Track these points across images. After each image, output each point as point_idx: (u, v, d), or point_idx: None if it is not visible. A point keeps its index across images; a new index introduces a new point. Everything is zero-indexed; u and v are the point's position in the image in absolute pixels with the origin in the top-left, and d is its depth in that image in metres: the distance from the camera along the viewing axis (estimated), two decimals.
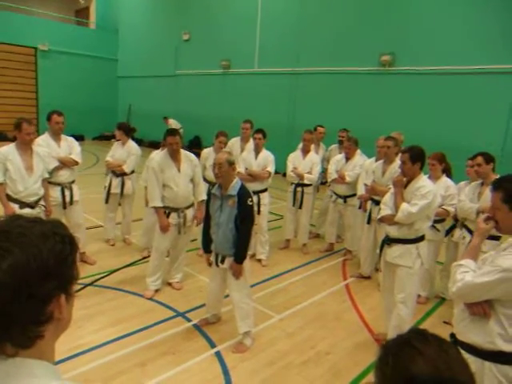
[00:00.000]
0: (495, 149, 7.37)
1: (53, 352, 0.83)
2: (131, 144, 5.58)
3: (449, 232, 4.56)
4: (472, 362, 1.93)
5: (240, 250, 3.35)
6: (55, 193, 4.53)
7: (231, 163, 3.32)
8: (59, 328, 0.82)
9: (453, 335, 2.08)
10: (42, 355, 0.78)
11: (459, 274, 1.98)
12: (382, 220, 3.69)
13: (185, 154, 4.33)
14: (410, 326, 3.53)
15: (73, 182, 4.78)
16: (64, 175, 4.66)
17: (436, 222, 4.25)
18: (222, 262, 3.44)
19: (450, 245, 4.51)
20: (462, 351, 1.99)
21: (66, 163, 4.67)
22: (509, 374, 1.84)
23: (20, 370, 0.75)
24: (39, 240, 0.76)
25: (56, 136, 4.70)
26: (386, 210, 3.60)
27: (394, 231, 3.51)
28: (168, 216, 4.22)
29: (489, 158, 3.94)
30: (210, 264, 3.62)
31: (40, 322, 0.76)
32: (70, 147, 4.79)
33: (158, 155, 4.43)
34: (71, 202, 4.71)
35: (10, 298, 0.71)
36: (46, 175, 4.24)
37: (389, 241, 3.57)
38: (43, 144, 4.50)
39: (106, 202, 5.54)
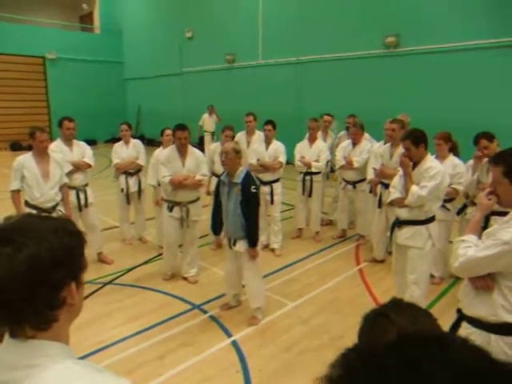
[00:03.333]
0: (507, 126, 7.25)
1: (67, 335, 0.92)
2: (135, 140, 5.71)
3: (461, 211, 4.53)
4: (478, 335, 1.96)
5: (251, 234, 3.55)
6: (70, 196, 4.66)
7: (237, 152, 3.53)
8: (72, 313, 0.92)
9: (459, 310, 2.11)
10: (57, 337, 0.87)
11: (461, 250, 2.00)
12: (392, 203, 3.71)
13: (192, 149, 4.42)
14: (422, 306, 3.55)
15: (86, 185, 4.93)
16: (78, 179, 4.83)
17: (446, 201, 4.23)
18: (235, 244, 3.65)
19: (463, 223, 4.48)
20: (469, 325, 2.02)
21: (79, 167, 4.83)
22: None
23: (38, 350, 0.84)
24: (49, 234, 0.85)
25: (68, 141, 4.86)
26: (395, 193, 3.61)
27: (404, 213, 3.52)
28: (171, 210, 4.37)
29: (490, 136, 3.91)
30: (219, 245, 3.89)
31: (54, 306, 0.85)
32: (82, 151, 4.95)
33: (165, 149, 4.51)
34: (86, 205, 4.86)
35: (27, 285, 0.81)
36: (66, 180, 4.38)
37: (399, 223, 3.59)
38: (56, 150, 4.65)
39: (128, 203, 5.62)
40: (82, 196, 4.82)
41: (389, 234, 3.82)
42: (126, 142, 5.61)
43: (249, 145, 5.69)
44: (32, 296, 0.81)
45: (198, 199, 4.51)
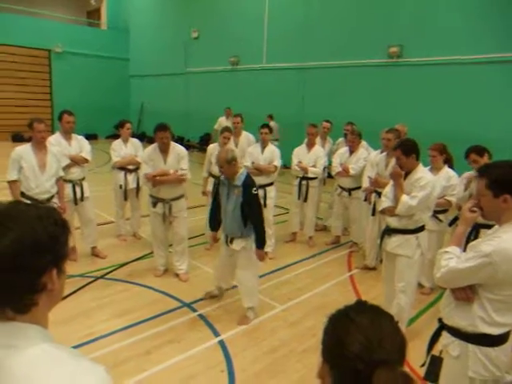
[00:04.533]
0: (507, 139, 7.30)
1: (46, 319, 0.95)
2: (133, 139, 5.77)
3: (453, 222, 4.56)
4: (457, 344, 2.00)
5: (258, 236, 3.63)
6: (66, 189, 4.70)
7: (229, 161, 3.54)
8: (52, 299, 0.94)
9: (440, 320, 2.15)
10: (36, 321, 0.90)
11: (444, 261, 2.03)
12: (383, 212, 3.75)
13: (173, 147, 4.48)
14: (408, 314, 3.59)
15: (83, 179, 4.96)
16: (75, 173, 4.86)
17: (438, 212, 4.27)
18: (231, 242, 3.74)
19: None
20: (448, 334, 2.06)
21: (76, 161, 4.86)
22: (490, 354, 1.90)
23: (17, 331, 0.87)
24: (35, 221, 0.89)
25: (67, 135, 4.88)
26: (386, 201, 3.65)
27: (394, 222, 3.57)
28: (155, 205, 4.49)
29: (481, 151, 3.94)
30: (215, 240, 4.10)
31: (35, 290, 0.88)
32: (80, 146, 4.97)
33: (148, 148, 4.60)
34: (82, 199, 4.89)
35: (10, 268, 0.84)
36: (61, 174, 4.43)
37: (389, 231, 3.63)
38: (55, 143, 4.69)
39: (125, 199, 5.69)
40: (78, 190, 4.85)
41: (379, 241, 3.86)
42: (126, 141, 5.66)
43: (236, 146, 5.75)
44: (15, 279, 0.85)
45: (181, 196, 4.54)
